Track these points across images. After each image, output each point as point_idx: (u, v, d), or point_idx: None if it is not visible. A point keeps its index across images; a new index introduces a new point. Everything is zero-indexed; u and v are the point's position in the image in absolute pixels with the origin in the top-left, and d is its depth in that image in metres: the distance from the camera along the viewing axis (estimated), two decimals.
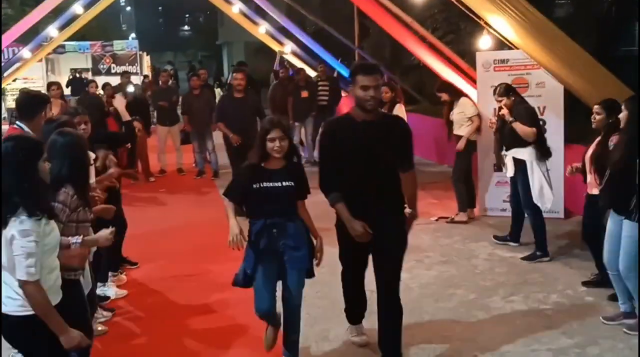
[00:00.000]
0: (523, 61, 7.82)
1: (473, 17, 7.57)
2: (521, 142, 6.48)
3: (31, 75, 21.17)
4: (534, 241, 6.64)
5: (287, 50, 19.28)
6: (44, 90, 12.04)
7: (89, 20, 17.14)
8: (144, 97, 12.33)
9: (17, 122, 4.95)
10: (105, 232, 3.68)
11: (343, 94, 14.63)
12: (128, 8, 62.94)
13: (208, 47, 51.47)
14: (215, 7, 22.66)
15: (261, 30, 19.16)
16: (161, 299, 5.91)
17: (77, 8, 16.28)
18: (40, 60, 21.01)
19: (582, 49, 6.51)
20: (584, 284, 5.82)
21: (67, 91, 18.82)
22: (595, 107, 5.42)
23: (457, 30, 15.43)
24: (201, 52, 53.84)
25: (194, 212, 9.15)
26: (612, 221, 4.88)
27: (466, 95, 8.42)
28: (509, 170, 6.75)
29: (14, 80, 19.28)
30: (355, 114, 4.21)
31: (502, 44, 8.26)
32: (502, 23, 6.66)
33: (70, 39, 20.35)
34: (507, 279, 6.10)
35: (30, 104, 4.97)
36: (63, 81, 18.68)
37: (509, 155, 6.69)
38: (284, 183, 4.17)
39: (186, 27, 71.00)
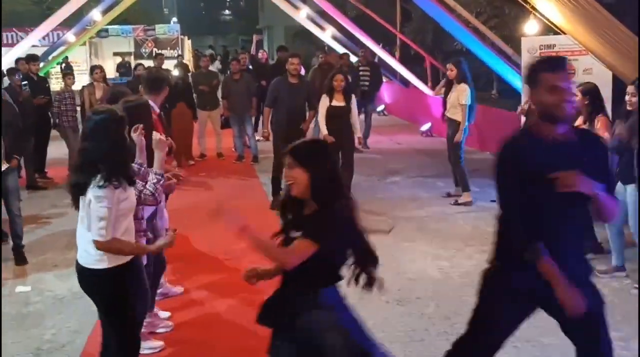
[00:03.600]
0: (570, 47, 7.64)
1: (519, 0, 7.39)
2: None
3: (75, 58, 21.51)
4: None
5: (328, 34, 19.18)
6: (87, 74, 12.22)
7: (131, 4, 17.29)
8: (188, 81, 12.38)
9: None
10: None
11: (384, 80, 14.53)
12: None
13: (249, 31, 51.58)
14: None
15: (302, 14, 19.11)
16: (199, 275, 5.96)
17: None
18: (84, 44, 21.32)
19: (632, 33, 6.31)
20: None
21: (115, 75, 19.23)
22: (630, 88, 5.50)
23: (501, 14, 15.14)
24: (242, 37, 53.99)
25: (233, 196, 9.18)
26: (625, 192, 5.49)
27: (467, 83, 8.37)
28: None
29: (58, 64, 19.61)
30: (541, 129, 3.04)
31: (548, 30, 8.06)
32: (549, 7, 6.48)
33: (113, 22, 20.59)
34: None
35: (155, 80, 5.45)
36: (106, 64, 18.93)
37: None
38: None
39: (227, 12, 71.23)
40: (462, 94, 8.15)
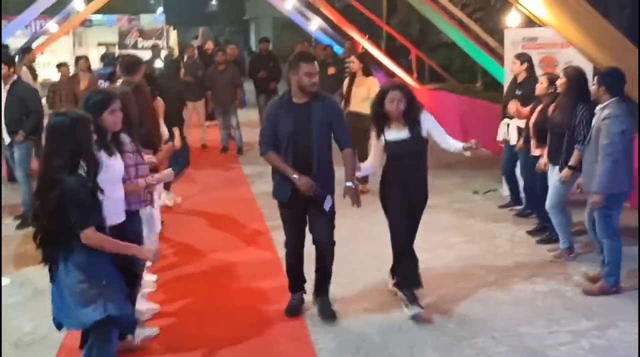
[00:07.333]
0: (552, 39, 7.68)
1: None
2: None
3: (59, 48, 21.29)
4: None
5: (314, 26, 19.14)
6: (72, 64, 12.11)
7: None
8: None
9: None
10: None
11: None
12: None
13: (236, 22, 51.34)
14: None
15: (288, 5, 19.04)
16: (184, 267, 5.98)
17: None
18: (68, 34, 21.11)
19: (614, 27, 6.36)
20: (529, 233, 6.68)
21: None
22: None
23: (487, 6, 15.18)
24: (229, 27, 53.70)
25: (217, 187, 9.19)
26: (551, 173, 5.85)
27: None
28: (512, 138, 7.22)
29: (42, 54, 19.39)
30: None
31: (532, 22, 8.10)
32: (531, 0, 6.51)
33: (97, 12, 20.37)
34: (529, 260, 6.04)
35: (131, 63, 6.10)
36: (90, 55, 18.77)
37: (512, 124, 7.17)
38: None
39: (214, 2, 70.78)
40: (372, 87, 8.12)
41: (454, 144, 4.93)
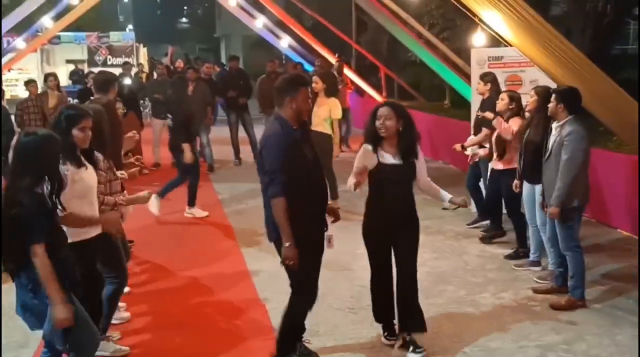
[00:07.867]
0: (517, 59, 7.84)
1: (467, 13, 7.57)
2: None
3: (26, 65, 21.05)
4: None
5: (284, 44, 19.25)
6: (40, 81, 12.02)
7: (85, 11, 17.02)
8: (136, 90, 12.29)
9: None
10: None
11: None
12: None
13: (206, 39, 51.38)
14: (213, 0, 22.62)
15: (258, 24, 19.13)
16: (156, 284, 5.93)
17: None
18: (35, 51, 20.91)
19: (576, 47, 6.52)
20: (482, 239, 7.10)
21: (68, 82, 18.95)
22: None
23: (453, 26, 15.43)
24: (199, 45, 53.70)
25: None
26: (525, 189, 5.99)
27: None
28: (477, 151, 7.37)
29: (9, 71, 19.16)
30: None
31: (499, 41, 8.25)
32: (496, 20, 6.65)
33: (65, 29, 20.24)
34: (498, 275, 6.12)
35: (105, 81, 5.99)
36: (58, 72, 18.61)
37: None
38: None
39: (184, 20, 70.74)
40: (334, 108, 8.33)
41: (435, 188, 4.72)
